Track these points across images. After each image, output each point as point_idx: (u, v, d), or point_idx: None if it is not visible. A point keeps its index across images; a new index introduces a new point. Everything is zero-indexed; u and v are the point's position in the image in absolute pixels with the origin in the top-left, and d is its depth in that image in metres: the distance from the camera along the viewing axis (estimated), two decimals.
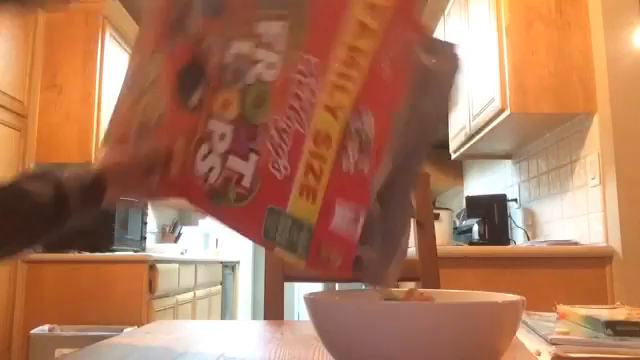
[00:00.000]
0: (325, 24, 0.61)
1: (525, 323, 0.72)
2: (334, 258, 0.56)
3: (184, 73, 0.73)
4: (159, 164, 0.74)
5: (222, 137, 0.67)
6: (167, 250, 4.12)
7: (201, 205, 0.70)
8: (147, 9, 0.81)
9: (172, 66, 0.75)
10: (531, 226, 2.73)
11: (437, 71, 0.57)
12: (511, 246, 2.68)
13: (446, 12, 3.19)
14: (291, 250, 0.60)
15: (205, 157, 0.68)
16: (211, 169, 0.67)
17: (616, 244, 1.99)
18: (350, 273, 0.57)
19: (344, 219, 0.55)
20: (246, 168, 0.64)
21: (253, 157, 0.63)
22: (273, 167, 0.61)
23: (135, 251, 3.50)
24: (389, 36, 0.58)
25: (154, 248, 4.11)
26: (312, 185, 0.58)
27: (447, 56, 0.58)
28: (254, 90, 0.65)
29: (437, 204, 4.27)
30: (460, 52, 0.58)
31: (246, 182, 0.64)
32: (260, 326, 1.00)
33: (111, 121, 0.85)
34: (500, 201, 2.86)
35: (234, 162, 0.65)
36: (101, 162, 0.79)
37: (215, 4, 0.73)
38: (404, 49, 0.57)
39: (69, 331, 2.77)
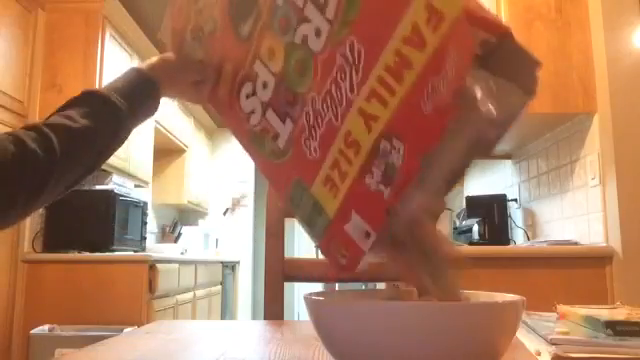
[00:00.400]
0: (377, 7, 0.53)
1: (525, 323, 0.72)
2: (341, 256, 0.56)
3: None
4: (211, 78, 0.77)
5: (265, 85, 0.67)
6: (167, 250, 4.12)
7: (242, 141, 0.71)
8: None
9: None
10: (531, 226, 2.73)
11: (494, 116, 0.51)
12: (511, 246, 2.68)
13: None
14: (309, 227, 0.60)
15: (248, 97, 0.69)
16: (253, 111, 0.68)
17: (616, 244, 1.99)
18: (349, 274, 0.57)
19: (357, 230, 0.54)
20: (282, 129, 0.64)
21: (289, 123, 0.63)
22: (305, 144, 0.61)
23: (135, 251, 3.50)
24: (440, 56, 0.47)
25: (154, 248, 4.11)
26: (336, 181, 0.57)
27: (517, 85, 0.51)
28: (299, 53, 0.62)
29: None
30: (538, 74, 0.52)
31: (280, 142, 0.64)
32: (260, 326, 1.00)
33: (167, 12, 0.85)
34: (500, 201, 2.86)
35: (272, 117, 0.65)
36: (155, 62, 0.82)
37: None
38: (456, 79, 0.46)
39: (69, 331, 2.77)
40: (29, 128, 0.71)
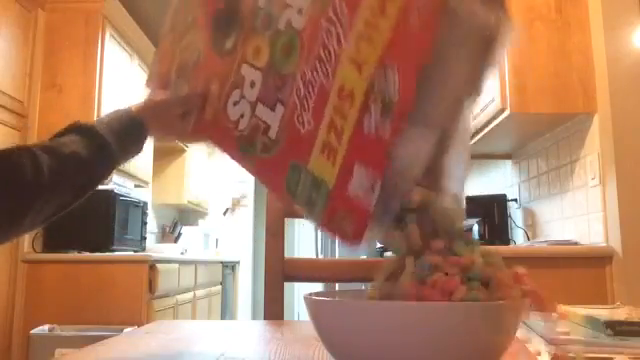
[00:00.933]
0: None
1: (525, 323, 0.72)
2: (347, 224, 0.55)
3: (219, 17, 0.75)
4: (196, 106, 0.79)
5: (252, 84, 0.68)
6: (167, 250, 4.12)
7: (229, 152, 0.72)
8: None
9: (207, 8, 0.76)
10: (531, 226, 2.73)
11: (473, 23, 0.51)
12: (511, 246, 2.68)
13: None
14: (309, 208, 0.60)
15: (236, 103, 0.70)
16: (242, 116, 0.69)
17: (616, 244, 1.99)
18: (361, 241, 0.55)
19: (361, 185, 0.53)
20: (273, 119, 0.64)
21: (280, 108, 0.64)
22: (298, 121, 0.61)
23: (135, 251, 3.50)
24: None
25: (154, 248, 4.11)
26: (333, 144, 0.57)
27: (492, 10, 0.51)
28: (284, 37, 0.65)
29: None
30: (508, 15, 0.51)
31: (272, 133, 0.64)
32: (260, 326, 1.00)
33: (154, 60, 0.88)
34: (500, 201, 2.86)
35: (262, 111, 0.66)
36: (142, 103, 0.84)
37: None
38: None
39: (69, 331, 2.77)
40: (20, 149, 0.71)
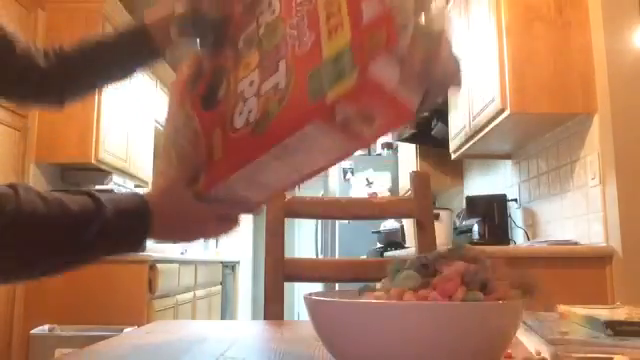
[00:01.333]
0: None
1: (525, 323, 0.72)
2: (377, 40, 0.53)
3: (205, 95, 0.76)
4: (201, 169, 0.72)
5: (251, 84, 0.68)
6: (167, 250, 4.11)
7: (251, 156, 0.65)
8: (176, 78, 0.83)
9: (196, 100, 0.77)
10: (531, 226, 2.73)
11: None
12: (511, 246, 2.68)
13: (446, 12, 3.19)
14: (340, 79, 0.56)
15: (241, 112, 0.68)
16: (250, 112, 0.67)
17: (616, 244, 1.99)
18: (396, 40, 0.53)
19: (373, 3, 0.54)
20: (279, 76, 0.63)
21: (282, 63, 0.63)
22: (300, 48, 0.61)
23: None
24: None
25: (154, 248, 4.10)
26: (336, 20, 0.57)
27: None
28: (267, 30, 0.67)
29: (437, 204, 4.27)
30: None
31: (281, 84, 0.63)
32: (260, 326, 1.00)
33: (157, 157, 0.87)
34: (500, 201, 2.86)
35: (268, 84, 0.65)
36: (148, 195, 0.72)
37: (211, 39, 0.79)
38: None
39: (69, 331, 2.77)
40: (9, 185, 0.63)
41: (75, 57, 0.95)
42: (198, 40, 0.84)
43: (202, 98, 0.76)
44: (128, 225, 0.68)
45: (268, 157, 0.64)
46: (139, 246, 0.70)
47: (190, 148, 0.74)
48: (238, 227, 0.79)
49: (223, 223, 0.77)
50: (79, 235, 0.64)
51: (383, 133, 0.62)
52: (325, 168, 0.67)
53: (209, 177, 0.72)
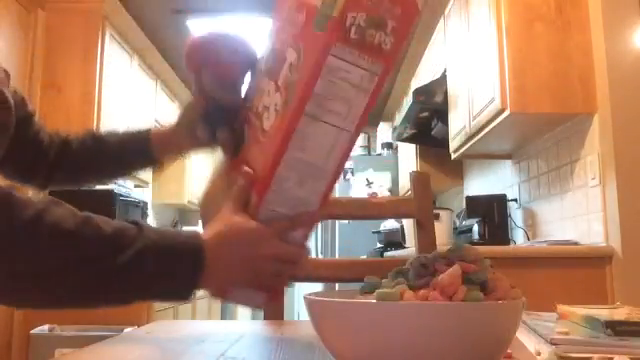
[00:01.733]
0: None
1: (525, 323, 0.72)
2: None
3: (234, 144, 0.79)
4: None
5: (268, 93, 0.69)
6: None
7: (289, 127, 0.61)
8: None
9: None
10: (531, 226, 2.73)
11: None
12: (511, 246, 2.68)
13: (446, 12, 3.19)
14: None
15: (267, 114, 0.69)
16: (275, 104, 0.67)
17: (616, 244, 1.99)
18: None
19: None
20: (290, 56, 0.65)
21: (292, 52, 0.65)
22: (294, 26, 0.66)
23: None
24: None
25: None
26: None
27: None
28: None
29: (437, 204, 4.27)
30: None
31: (294, 60, 0.63)
32: (260, 326, 1.00)
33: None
34: (500, 201, 2.86)
35: (283, 72, 0.66)
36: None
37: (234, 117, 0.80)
38: None
39: (69, 331, 2.77)
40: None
41: (78, 155, 1.00)
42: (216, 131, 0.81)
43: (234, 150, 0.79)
44: (174, 253, 0.58)
45: (306, 121, 0.59)
46: (186, 287, 0.59)
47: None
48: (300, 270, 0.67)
49: (285, 265, 0.66)
50: (109, 258, 0.55)
51: (401, 40, 0.59)
52: (370, 106, 0.60)
53: (258, 191, 0.67)
